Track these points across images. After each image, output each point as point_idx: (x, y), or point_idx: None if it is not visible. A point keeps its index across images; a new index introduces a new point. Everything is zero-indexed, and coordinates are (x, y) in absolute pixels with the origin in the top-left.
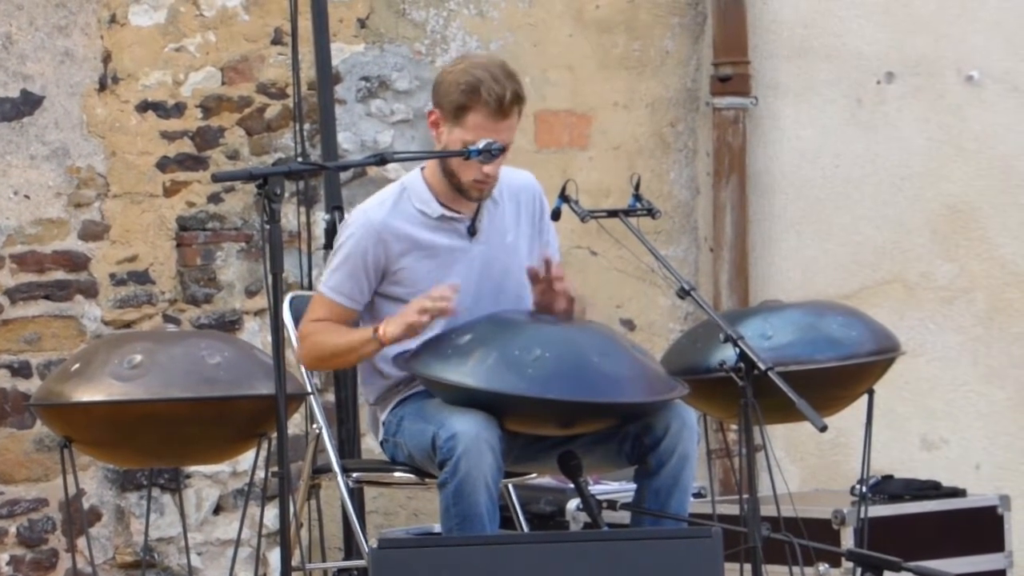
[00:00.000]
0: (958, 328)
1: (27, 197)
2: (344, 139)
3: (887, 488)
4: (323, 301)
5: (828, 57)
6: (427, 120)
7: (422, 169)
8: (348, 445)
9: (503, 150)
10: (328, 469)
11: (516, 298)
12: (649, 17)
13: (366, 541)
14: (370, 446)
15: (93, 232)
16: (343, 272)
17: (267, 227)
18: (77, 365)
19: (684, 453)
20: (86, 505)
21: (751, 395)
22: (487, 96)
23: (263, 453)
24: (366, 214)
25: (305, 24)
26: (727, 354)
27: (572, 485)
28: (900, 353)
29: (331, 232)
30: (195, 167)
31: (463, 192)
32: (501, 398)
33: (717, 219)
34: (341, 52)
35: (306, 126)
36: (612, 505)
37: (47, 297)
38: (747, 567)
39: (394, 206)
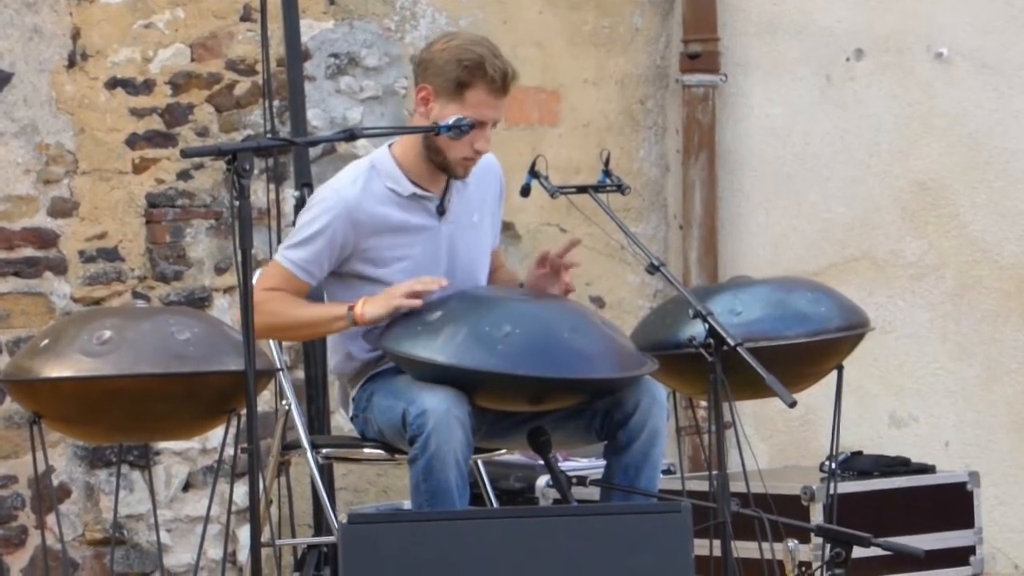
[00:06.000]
0: (927, 305)
1: None
2: (313, 116)
3: (856, 464)
4: (281, 271)
5: (797, 34)
6: (416, 96)
7: (390, 146)
8: (318, 422)
9: (472, 126)
10: (297, 445)
11: (480, 277)
12: None
13: (336, 517)
14: (339, 423)
15: (62, 209)
16: (309, 247)
17: (236, 203)
18: (46, 341)
19: (654, 429)
20: (55, 482)
21: (720, 371)
22: (492, 72)
23: (232, 430)
24: (339, 192)
25: (274, 0)
26: (696, 330)
27: (542, 461)
28: (869, 329)
29: (300, 209)
30: (164, 144)
31: (448, 169)
32: (471, 374)
33: (686, 196)
34: (310, 29)
35: (275, 103)
36: (582, 481)
37: (16, 274)
38: (716, 543)
39: (365, 185)
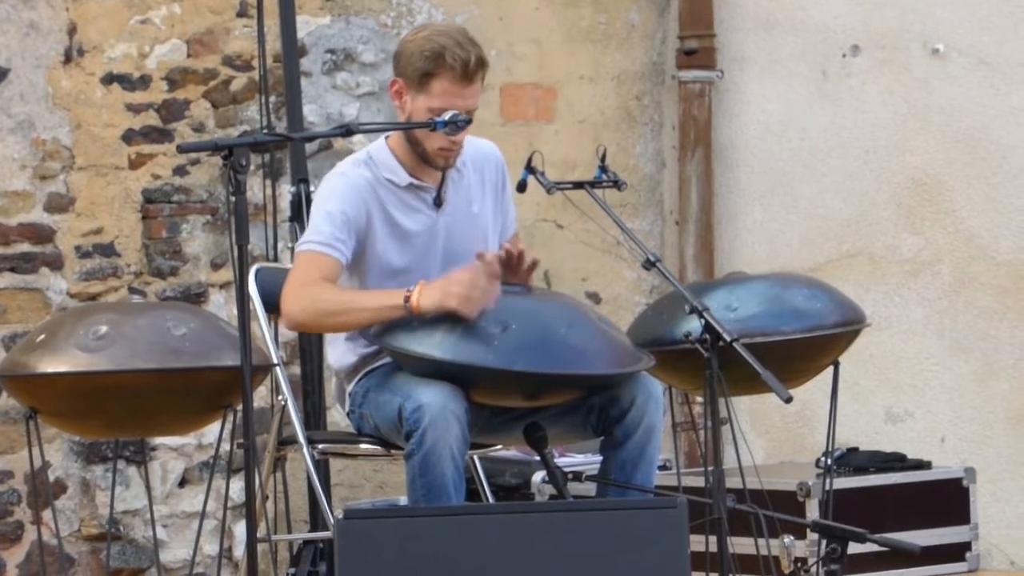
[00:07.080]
0: (923, 301)
1: None
2: (310, 112)
3: (852, 460)
4: (311, 258)
5: (794, 30)
6: (390, 90)
7: (386, 139)
8: (314, 417)
9: (469, 122)
10: (293, 441)
11: None
12: None
13: (332, 513)
14: (336, 419)
15: (58, 204)
16: (330, 225)
17: (233, 199)
18: (42, 336)
19: (650, 425)
20: (52, 477)
21: (716, 367)
22: (452, 61)
23: (228, 425)
24: (345, 175)
25: None
26: (693, 326)
27: (538, 457)
28: (865, 325)
29: (297, 205)
30: (160, 139)
31: (428, 161)
32: (467, 370)
33: (683, 192)
34: (307, 24)
35: (272, 99)
36: (578, 477)
37: (12, 269)
38: (712, 539)
39: (365, 171)
